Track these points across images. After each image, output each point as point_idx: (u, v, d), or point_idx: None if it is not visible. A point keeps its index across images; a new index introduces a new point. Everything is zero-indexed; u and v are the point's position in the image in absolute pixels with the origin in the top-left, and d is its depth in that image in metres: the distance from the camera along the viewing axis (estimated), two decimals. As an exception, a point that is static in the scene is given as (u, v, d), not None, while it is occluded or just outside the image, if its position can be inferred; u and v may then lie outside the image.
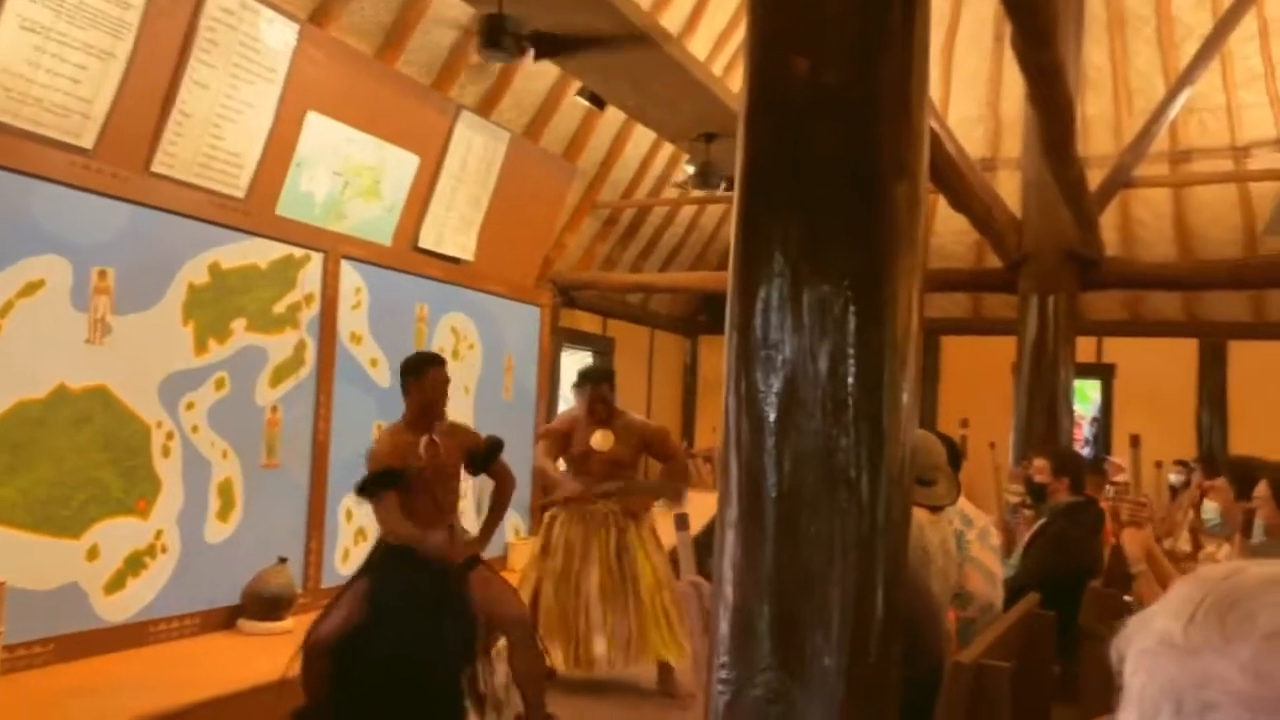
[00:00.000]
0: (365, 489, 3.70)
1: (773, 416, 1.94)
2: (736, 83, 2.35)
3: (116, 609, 4.50)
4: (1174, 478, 8.44)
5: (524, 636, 3.80)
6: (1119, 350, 10.22)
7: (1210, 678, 0.41)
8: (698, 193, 7.17)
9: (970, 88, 9.35)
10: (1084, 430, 10.43)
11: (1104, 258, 6.80)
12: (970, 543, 3.71)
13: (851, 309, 1.93)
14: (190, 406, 4.87)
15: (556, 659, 4.65)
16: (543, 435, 5.16)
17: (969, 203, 5.55)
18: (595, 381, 4.90)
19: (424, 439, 3.75)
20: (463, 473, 3.95)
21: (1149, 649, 0.44)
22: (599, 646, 4.65)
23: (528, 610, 3.84)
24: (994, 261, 7.28)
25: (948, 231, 9.94)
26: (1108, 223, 8.33)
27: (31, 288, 4.16)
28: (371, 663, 3.51)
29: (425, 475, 3.72)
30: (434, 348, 6.61)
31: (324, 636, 3.56)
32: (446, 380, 3.85)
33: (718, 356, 2.04)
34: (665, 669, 4.84)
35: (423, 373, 3.81)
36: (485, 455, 3.95)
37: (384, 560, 3.75)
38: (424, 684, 3.50)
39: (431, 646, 3.51)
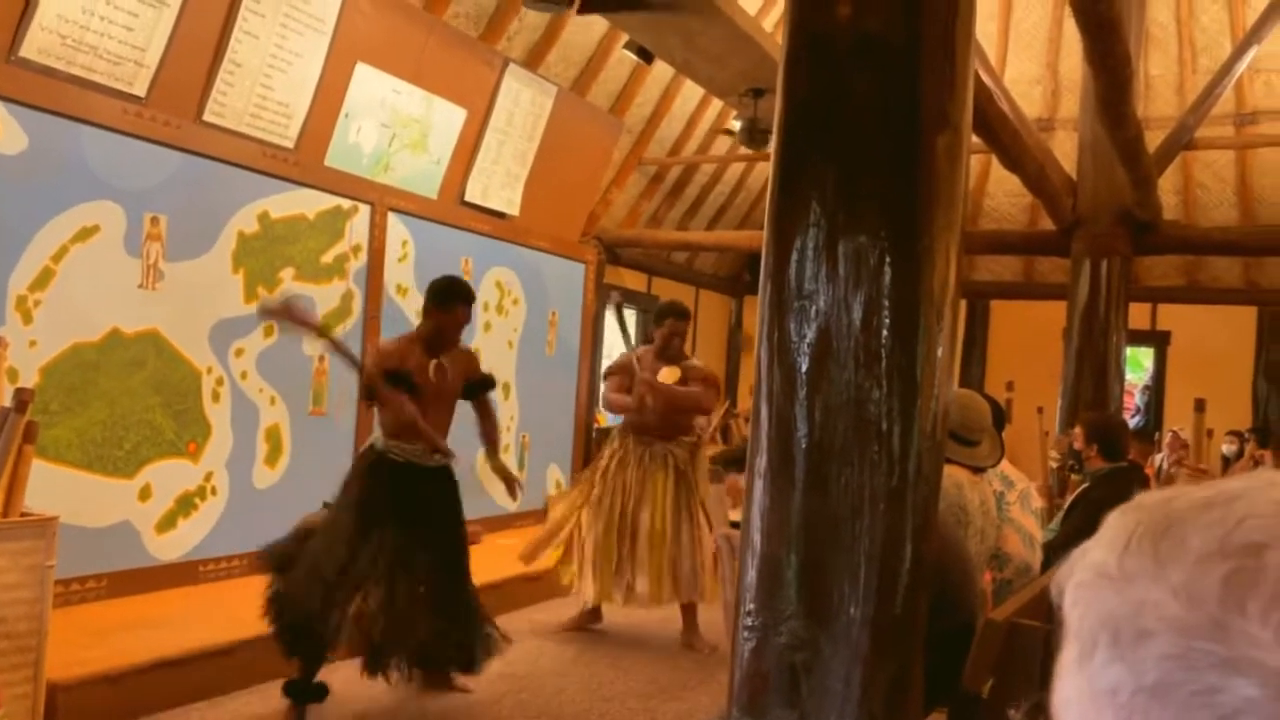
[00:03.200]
0: (370, 392, 3.67)
1: (805, 367, 1.94)
2: (782, 34, 2.34)
3: (167, 548, 4.63)
4: (1227, 448, 8.30)
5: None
6: (1175, 317, 10.00)
7: (1145, 605, 0.40)
8: (745, 150, 7.10)
9: (1029, 46, 9.13)
10: (1135, 398, 10.26)
11: (1161, 221, 6.64)
12: (1010, 504, 3.69)
13: (887, 260, 1.91)
14: (240, 353, 4.97)
15: (604, 594, 4.78)
16: (610, 373, 5.20)
17: (1022, 162, 5.43)
18: (677, 316, 4.94)
19: (434, 363, 3.72)
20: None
21: (1086, 581, 0.44)
22: (642, 585, 4.72)
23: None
24: (1048, 225, 7.15)
25: (1001, 193, 9.76)
26: (1167, 186, 8.12)
27: (86, 233, 4.25)
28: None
29: (428, 396, 3.69)
30: (479, 302, 6.66)
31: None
32: (468, 319, 3.81)
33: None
34: (690, 620, 4.88)
35: (449, 308, 3.74)
36: (479, 384, 3.96)
37: (371, 472, 3.76)
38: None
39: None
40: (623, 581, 4.76)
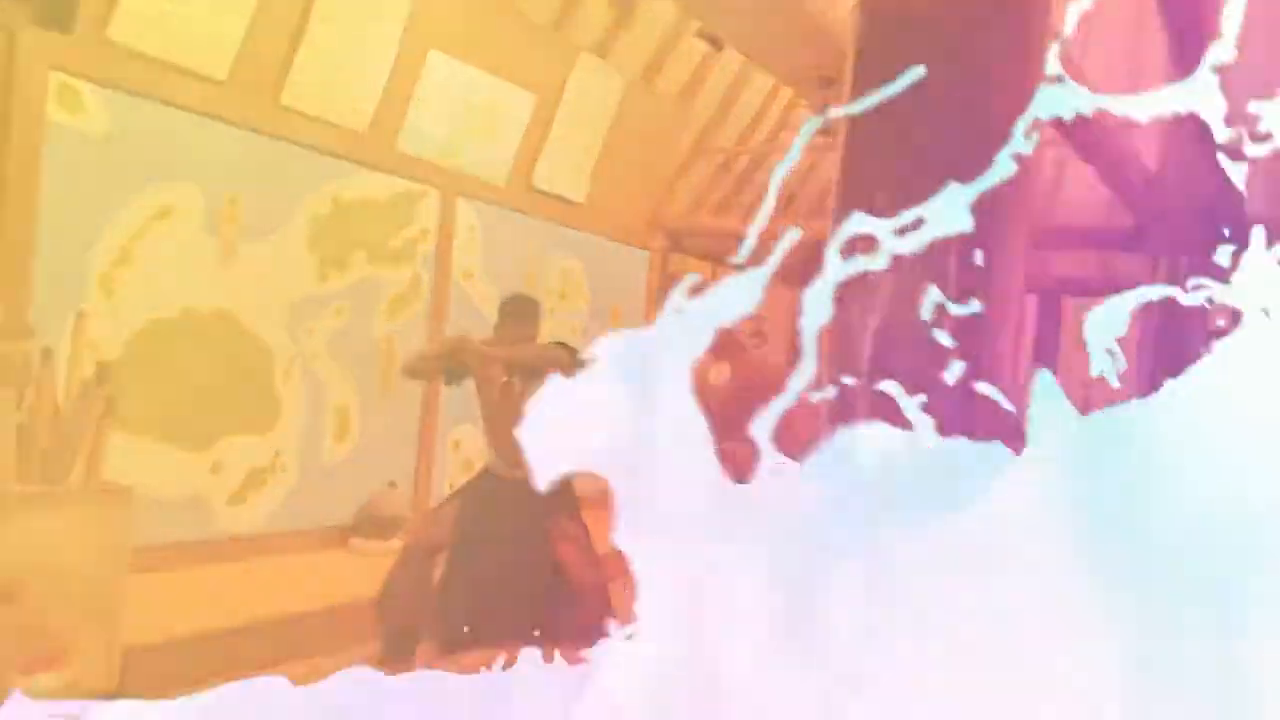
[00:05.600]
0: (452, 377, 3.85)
1: (868, 361, 1.92)
2: (855, 23, 2.30)
3: (237, 521, 4.76)
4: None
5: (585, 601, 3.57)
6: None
7: None
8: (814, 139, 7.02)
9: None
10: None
11: None
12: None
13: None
14: (311, 333, 5.07)
15: None
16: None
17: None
18: None
19: (502, 381, 3.75)
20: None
21: None
22: None
23: (599, 578, 3.62)
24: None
25: (1083, 186, 9.53)
26: None
27: (165, 212, 4.37)
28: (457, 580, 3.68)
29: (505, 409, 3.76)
30: (543, 288, 6.71)
31: (421, 542, 3.81)
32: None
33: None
34: None
35: (506, 315, 3.82)
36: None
37: (477, 487, 3.88)
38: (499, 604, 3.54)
39: (506, 572, 3.59)
40: None
